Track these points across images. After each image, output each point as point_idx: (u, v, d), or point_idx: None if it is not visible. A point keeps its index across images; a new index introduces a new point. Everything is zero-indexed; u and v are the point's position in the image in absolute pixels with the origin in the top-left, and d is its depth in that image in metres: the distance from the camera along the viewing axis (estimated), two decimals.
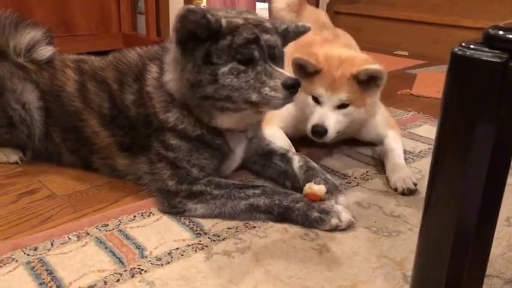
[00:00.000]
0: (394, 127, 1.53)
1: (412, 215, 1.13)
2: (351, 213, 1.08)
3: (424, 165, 1.40)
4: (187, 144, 1.13)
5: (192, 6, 1.02)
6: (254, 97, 1.05)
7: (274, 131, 1.45)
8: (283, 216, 1.08)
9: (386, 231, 1.07)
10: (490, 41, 0.60)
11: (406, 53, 3.13)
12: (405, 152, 1.50)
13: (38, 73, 1.34)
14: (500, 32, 0.59)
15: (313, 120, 1.32)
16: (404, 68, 2.74)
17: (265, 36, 1.06)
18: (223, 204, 1.09)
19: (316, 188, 1.09)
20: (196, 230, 1.05)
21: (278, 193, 1.10)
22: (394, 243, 1.03)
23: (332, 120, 1.31)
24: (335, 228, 1.05)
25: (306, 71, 1.35)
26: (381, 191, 1.26)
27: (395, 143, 1.44)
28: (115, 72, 1.23)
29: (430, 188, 0.72)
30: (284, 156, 1.27)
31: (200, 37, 1.03)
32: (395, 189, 1.25)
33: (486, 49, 0.60)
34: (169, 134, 1.13)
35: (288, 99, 1.04)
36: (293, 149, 1.38)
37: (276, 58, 1.09)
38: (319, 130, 1.30)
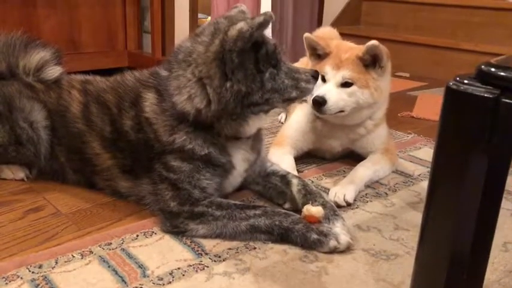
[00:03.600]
0: (389, 151, 1.55)
1: (410, 238, 1.15)
2: (349, 236, 1.10)
3: (423, 188, 1.42)
4: (188, 165, 1.15)
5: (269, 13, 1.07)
6: (294, 94, 1.16)
7: (282, 153, 1.51)
8: (282, 236, 1.10)
9: (384, 255, 1.09)
10: (482, 77, 0.63)
11: (408, 75, 3.17)
12: (405, 175, 1.53)
13: (45, 93, 1.38)
14: (492, 69, 0.62)
15: (315, 93, 1.40)
16: (405, 90, 2.77)
17: (274, 40, 1.16)
18: (224, 225, 1.11)
19: (313, 210, 1.11)
20: (197, 250, 1.07)
21: (278, 214, 1.12)
22: (392, 267, 1.05)
23: (333, 93, 1.40)
24: (333, 250, 1.07)
25: (317, 53, 1.48)
26: (380, 214, 1.28)
27: (371, 163, 1.48)
28: (115, 96, 1.26)
29: (425, 213, 0.74)
30: (284, 178, 1.30)
31: (252, 47, 1.08)
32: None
33: (479, 84, 0.63)
34: (170, 156, 1.15)
35: (311, 91, 1.21)
36: (295, 172, 1.41)
37: None
38: (318, 100, 1.39)
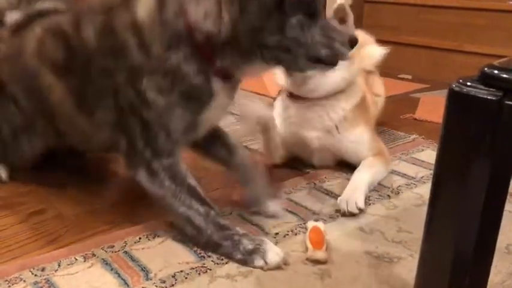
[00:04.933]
0: (381, 154, 1.53)
1: (413, 241, 1.15)
2: (282, 253, 1.03)
3: (426, 191, 1.42)
4: (164, 99, 1.04)
5: None
6: (324, 52, 1.01)
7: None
8: (208, 247, 1.07)
9: (387, 257, 1.09)
10: (485, 79, 0.63)
11: (410, 77, 3.16)
12: (407, 177, 1.53)
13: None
14: (495, 71, 0.62)
15: None
16: (407, 92, 2.76)
17: None
18: (164, 198, 1.08)
19: (319, 255, 1.05)
20: (200, 253, 1.07)
21: (215, 224, 1.07)
22: (395, 270, 1.04)
23: None
24: (262, 268, 1.02)
25: None
26: (382, 216, 1.27)
27: (368, 167, 1.46)
28: (71, 15, 1.18)
29: (428, 216, 0.74)
30: (229, 147, 1.28)
31: None
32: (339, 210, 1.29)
33: (482, 86, 0.63)
34: (149, 82, 1.03)
35: (346, 58, 1.07)
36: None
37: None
38: None
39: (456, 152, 0.68)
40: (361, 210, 1.28)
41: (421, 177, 1.53)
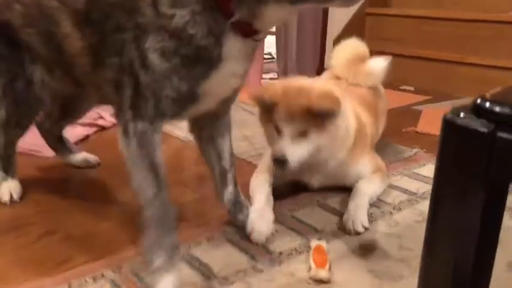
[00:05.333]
0: (379, 169, 1.54)
1: (415, 258, 1.17)
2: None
3: (427, 207, 1.41)
4: (164, 64, 0.97)
5: None
6: None
7: (259, 180, 1.49)
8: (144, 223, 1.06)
9: (389, 275, 1.11)
10: (478, 111, 0.66)
11: (412, 88, 3.19)
12: (409, 193, 1.55)
13: None
14: (487, 104, 0.65)
15: (274, 152, 1.36)
16: (409, 104, 2.79)
17: None
18: (127, 161, 1.06)
19: (322, 275, 1.08)
20: (205, 273, 1.09)
21: (155, 215, 1.05)
22: None
23: (291, 150, 1.33)
24: None
25: (265, 102, 1.40)
26: (384, 234, 1.30)
27: (366, 184, 1.48)
28: None
29: (426, 237, 0.77)
30: (223, 174, 1.28)
31: None
32: (344, 228, 1.31)
33: (475, 118, 0.66)
34: (152, 41, 0.97)
35: None
36: (269, 203, 1.39)
37: None
38: (279, 160, 1.33)
39: (452, 179, 0.71)
40: (366, 229, 1.30)
41: (423, 193, 1.55)
